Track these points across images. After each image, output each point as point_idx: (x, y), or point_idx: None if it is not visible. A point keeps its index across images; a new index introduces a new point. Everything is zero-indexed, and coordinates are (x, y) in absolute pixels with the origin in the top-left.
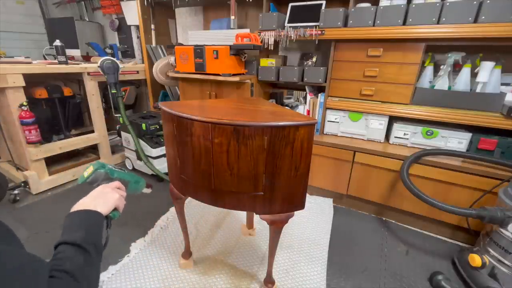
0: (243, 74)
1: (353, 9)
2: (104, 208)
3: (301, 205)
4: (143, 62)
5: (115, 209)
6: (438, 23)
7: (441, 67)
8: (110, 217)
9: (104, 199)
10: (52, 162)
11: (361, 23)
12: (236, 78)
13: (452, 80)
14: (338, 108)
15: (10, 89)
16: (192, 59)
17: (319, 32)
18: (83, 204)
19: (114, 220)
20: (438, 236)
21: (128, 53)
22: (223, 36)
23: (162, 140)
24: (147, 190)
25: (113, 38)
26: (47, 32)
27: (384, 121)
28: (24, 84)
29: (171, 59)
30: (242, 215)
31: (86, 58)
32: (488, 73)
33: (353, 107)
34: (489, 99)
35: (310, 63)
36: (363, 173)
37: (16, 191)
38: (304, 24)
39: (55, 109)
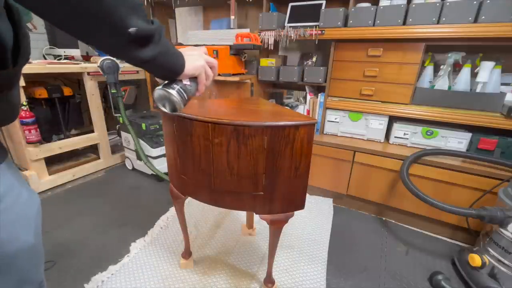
0: (243, 74)
1: (353, 9)
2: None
3: (301, 205)
4: None
5: (194, 79)
6: (438, 23)
7: (441, 67)
8: (187, 89)
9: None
10: (52, 162)
11: (361, 23)
12: (236, 78)
13: (452, 80)
14: (338, 108)
15: None
16: None
17: (319, 32)
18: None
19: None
20: (438, 236)
21: None
22: (223, 36)
23: (162, 140)
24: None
25: None
26: (47, 32)
27: (384, 121)
28: (23, 84)
29: None
30: (242, 215)
31: (86, 58)
32: (488, 73)
33: (353, 107)
34: (489, 99)
35: (310, 63)
36: (363, 173)
37: None
38: (304, 24)
39: (55, 109)
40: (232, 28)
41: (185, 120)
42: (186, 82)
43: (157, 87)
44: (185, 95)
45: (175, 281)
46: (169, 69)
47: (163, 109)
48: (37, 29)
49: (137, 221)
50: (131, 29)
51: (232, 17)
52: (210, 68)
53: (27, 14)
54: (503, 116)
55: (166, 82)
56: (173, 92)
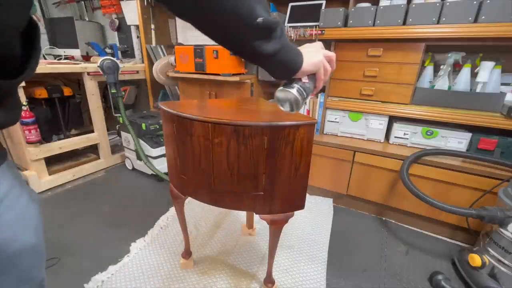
0: (243, 74)
1: (353, 9)
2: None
3: (301, 205)
4: (143, 62)
5: (312, 76)
6: (438, 23)
7: (441, 67)
8: (306, 87)
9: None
10: (52, 162)
11: (361, 23)
12: (236, 78)
13: (452, 80)
14: (338, 108)
15: None
16: (192, 59)
17: (319, 32)
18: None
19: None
20: (438, 236)
21: (128, 53)
22: None
23: (162, 140)
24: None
25: (113, 38)
26: (47, 32)
27: (384, 121)
28: (24, 84)
29: (171, 59)
30: (242, 215)
31: (86, 58)
32: (488, 73)
33: (353, 107)
34: (489, 99)
35: None
36: (363, 173)
37: None
38: (304, 24)
39: (55, 109)
40: None
41: (185, 120)
42: (305, 80)
43: (279, 88)
44: (304, 94)
45: (175, 281)
46: (289, 66)
47: (281, 108)
48: (40, 21)
49: (137, 221)
50: (259, 19)
51: None
52: (328, 62)
53: (32, 7)
54: (503, 116)
55: (285, 82)
56: (294, 91)
